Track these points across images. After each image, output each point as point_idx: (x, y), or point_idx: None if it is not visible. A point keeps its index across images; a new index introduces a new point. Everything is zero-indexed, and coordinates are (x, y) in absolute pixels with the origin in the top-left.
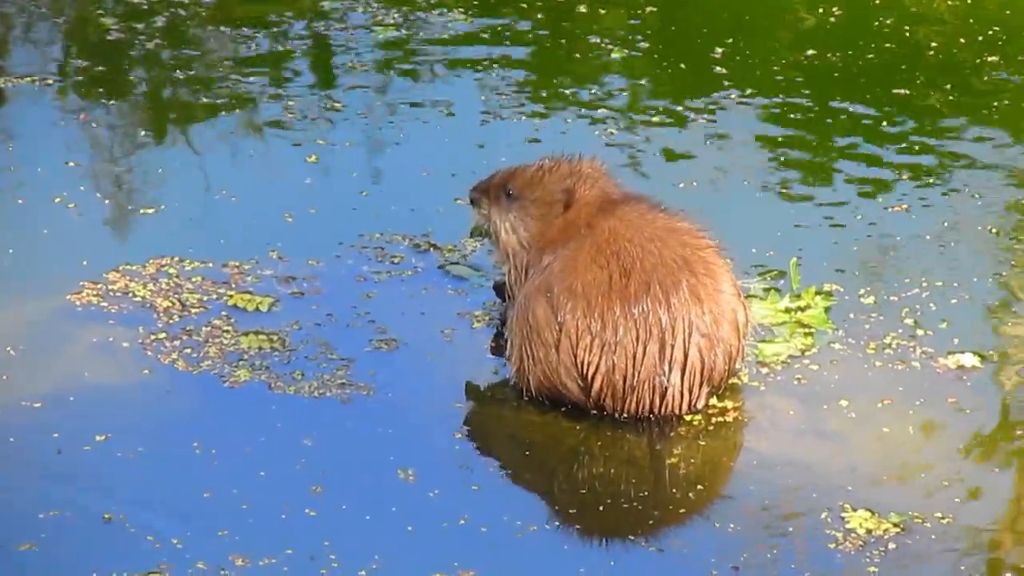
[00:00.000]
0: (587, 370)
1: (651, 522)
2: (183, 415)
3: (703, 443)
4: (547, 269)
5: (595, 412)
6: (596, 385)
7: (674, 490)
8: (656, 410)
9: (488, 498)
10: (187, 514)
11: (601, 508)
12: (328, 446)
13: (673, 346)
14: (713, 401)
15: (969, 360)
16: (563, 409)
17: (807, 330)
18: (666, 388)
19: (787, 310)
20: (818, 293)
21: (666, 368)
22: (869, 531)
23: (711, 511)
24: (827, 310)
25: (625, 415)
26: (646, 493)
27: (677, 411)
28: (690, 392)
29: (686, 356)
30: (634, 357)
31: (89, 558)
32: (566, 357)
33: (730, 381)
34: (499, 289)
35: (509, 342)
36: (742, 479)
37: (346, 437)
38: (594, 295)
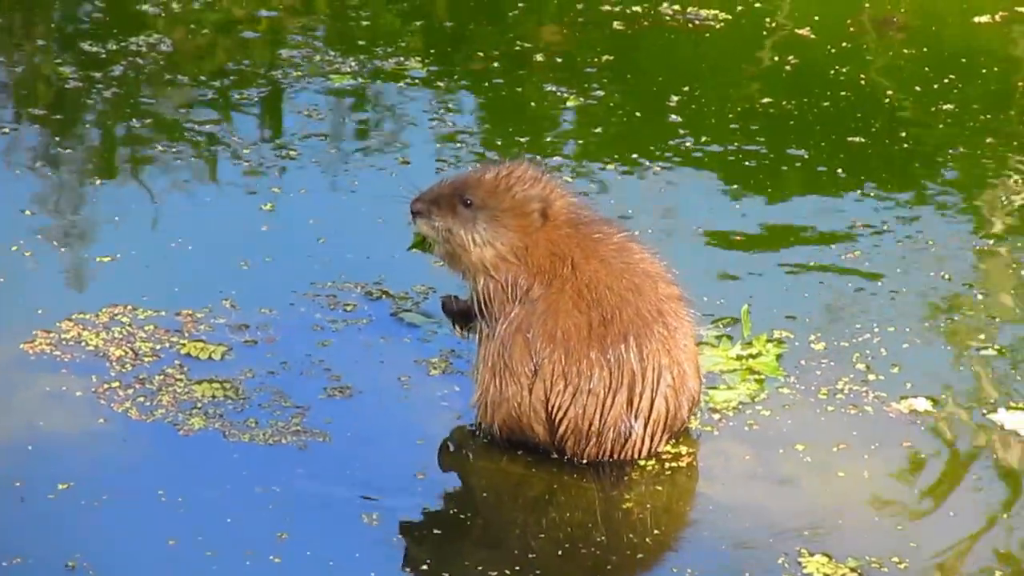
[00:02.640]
0: (555, 413)
1: (609, 567)
2: (142, 463)
3: (659, 489)
4: (530, 305)
5: (555, 455)
6: (561, 428)
7: (631, 536)
8: (616, 455)
9: (449, 543)
10: (152, 562)
11: (560, 553)
12: (291, 493)
13: (642, 395)
14: (667, 447)
15: (922, 404)
16: (519, 452)
17: (758, 376)
18: (630, 434)
19: (738, 357)
20: (769, 340)
21: (633, 417)
22: None
23: (668, 557)
24: (778, 357)
25: (585, 459)
26: (603, 539)
27: (637, 456)
28: (652, 439)
29: (652, 405)
30: (603, 404)
31: None
32: (536, 400)
33: (684, 427)
34: (449, 309)
35: (479, 372)
36: (698, 525)
37: (307, 484)
38: (573, 343)
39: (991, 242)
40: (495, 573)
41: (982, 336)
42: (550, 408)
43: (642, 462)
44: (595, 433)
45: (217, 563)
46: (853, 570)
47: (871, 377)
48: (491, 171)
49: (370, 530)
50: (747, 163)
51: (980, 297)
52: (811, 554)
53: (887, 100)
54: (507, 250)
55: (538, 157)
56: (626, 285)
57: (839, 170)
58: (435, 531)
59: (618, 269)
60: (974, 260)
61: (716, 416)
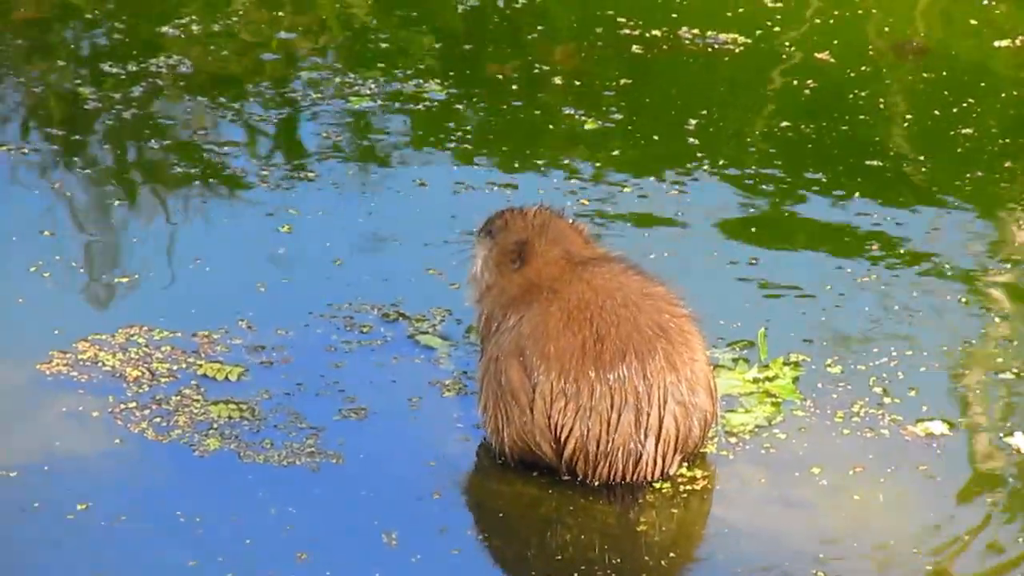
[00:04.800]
0: (561, 433)
1: None
2: (160, 484)
3: (674, 511)
4: (514, 330)
5: (567, 476)
6: (569, 448)
7: (647, 558)
8: (628, 477)
9: (467, 563)
10: None
11: (575, 575)
12: (308, 514)
13: (649, 414)
14: (682, 470)
15: (938, 427)
16: (535, 474)
17: (774, 399)
18: (640, 455)
19: (755, 380)
20: (786, 364)
21: (642, 436)
22: None
23: None
24: (795, 380)
25: (597, 480)
26: (619, 560)
27: (649, 478)
28: (663, 459)
29: (661, 424)
30: (608, 424)
31: None
32: (540, 419)
33: (701, 450)
34: None
35: (481, 402)
36: (713, 548)
37: (324, 505)
38: (568, 359)
39: (1008, 266)
40: None
41: (999, 360)
42: (554, 427)
43: (657, 485)
44: (604, 454)
45: None
46: None
47: (887, 400)
48: (513, 209)
49: (389, 551)
50: (764, 186)
51: (997, 320)
52: None
53: (905, 124)
54: (485, 284)
55: (556, 181)
56: (620, 302)
57: (857, 194)
58: (452, 552)
59: (608, 290)
60: (991, 284)
61: (732, 439)
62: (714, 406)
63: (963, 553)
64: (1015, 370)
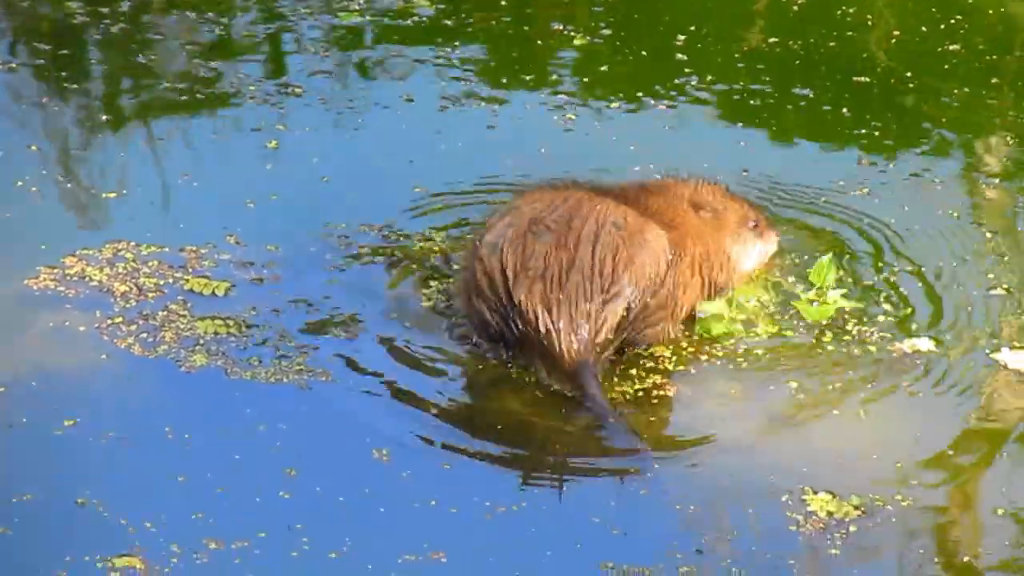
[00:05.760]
0: (507, 256)
1: (613, 504)
2: (148, 400)
3: (659, 427)
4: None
5: (517, 322)
6: (510, 270)
7: (635, 475)
8: (565, 291)
9: (457, 479)
10: (161, 498)
11: (566, 489)
12: (297, 430)
13: (585, 221)
14: (663, 380)
15: (925, 344)
16: (526, 386)
17: (771, 313)
18: (574, 262)
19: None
20: (844, 296)
21: (573, 243)
22: (830, 513)
23: (671, 494)
24: (838, 310)
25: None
26: (608, 476)
27: (588, 298)
28: (601, 275)
29: (596, 235)
30: (553, 252)
31: (63, 542)
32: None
33: (675, 355)
34: None
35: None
36: (699, 462)
37: (313, 421)
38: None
39: (997, 180)
40: (503, 509)
41: (990, 275)
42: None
43: (640, 395)
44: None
45: (228, 500)
46: (856, 507)
47: (877, 316)
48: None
49: (380, 466)
50: (752, 102)
51: (988, 235)
52: (815, 492)
53: (893, 40)
54: None
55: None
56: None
57: (844, 109)
58: (443, 467)
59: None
60: (981, 199)
61: (718, 352)
62: (665, 275)
63: (946, 468)
64: (1005, 286)
